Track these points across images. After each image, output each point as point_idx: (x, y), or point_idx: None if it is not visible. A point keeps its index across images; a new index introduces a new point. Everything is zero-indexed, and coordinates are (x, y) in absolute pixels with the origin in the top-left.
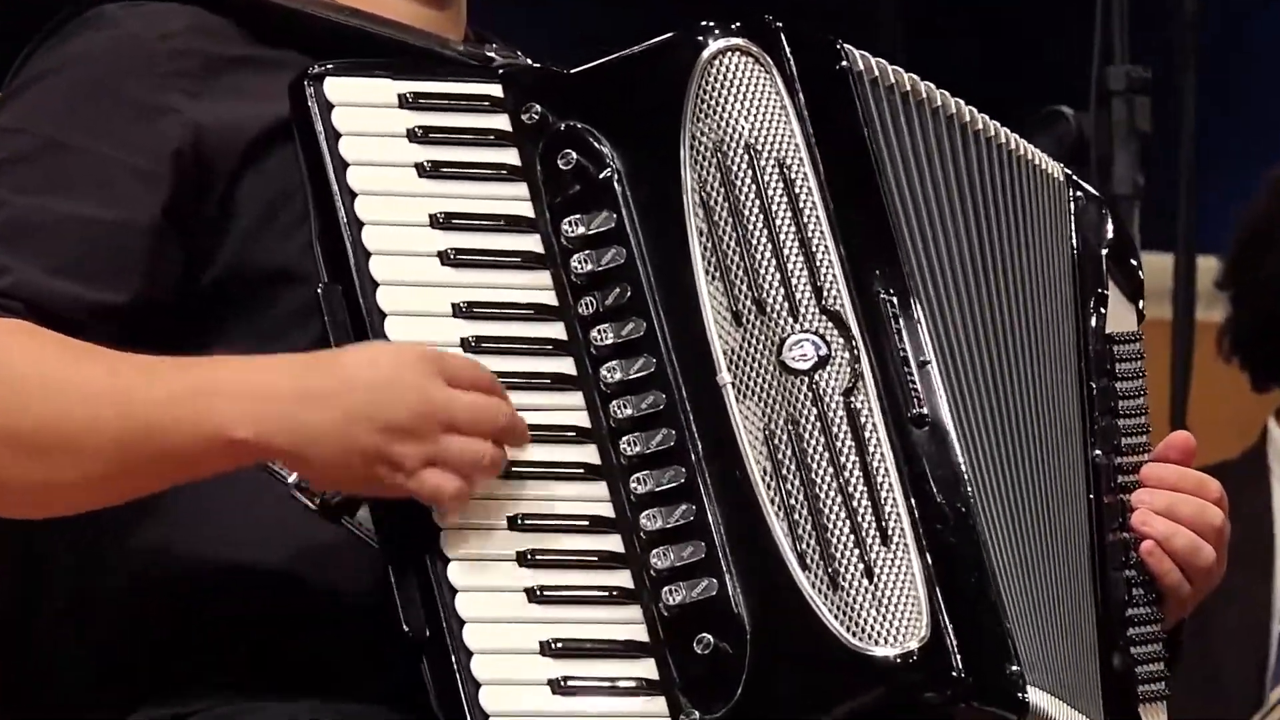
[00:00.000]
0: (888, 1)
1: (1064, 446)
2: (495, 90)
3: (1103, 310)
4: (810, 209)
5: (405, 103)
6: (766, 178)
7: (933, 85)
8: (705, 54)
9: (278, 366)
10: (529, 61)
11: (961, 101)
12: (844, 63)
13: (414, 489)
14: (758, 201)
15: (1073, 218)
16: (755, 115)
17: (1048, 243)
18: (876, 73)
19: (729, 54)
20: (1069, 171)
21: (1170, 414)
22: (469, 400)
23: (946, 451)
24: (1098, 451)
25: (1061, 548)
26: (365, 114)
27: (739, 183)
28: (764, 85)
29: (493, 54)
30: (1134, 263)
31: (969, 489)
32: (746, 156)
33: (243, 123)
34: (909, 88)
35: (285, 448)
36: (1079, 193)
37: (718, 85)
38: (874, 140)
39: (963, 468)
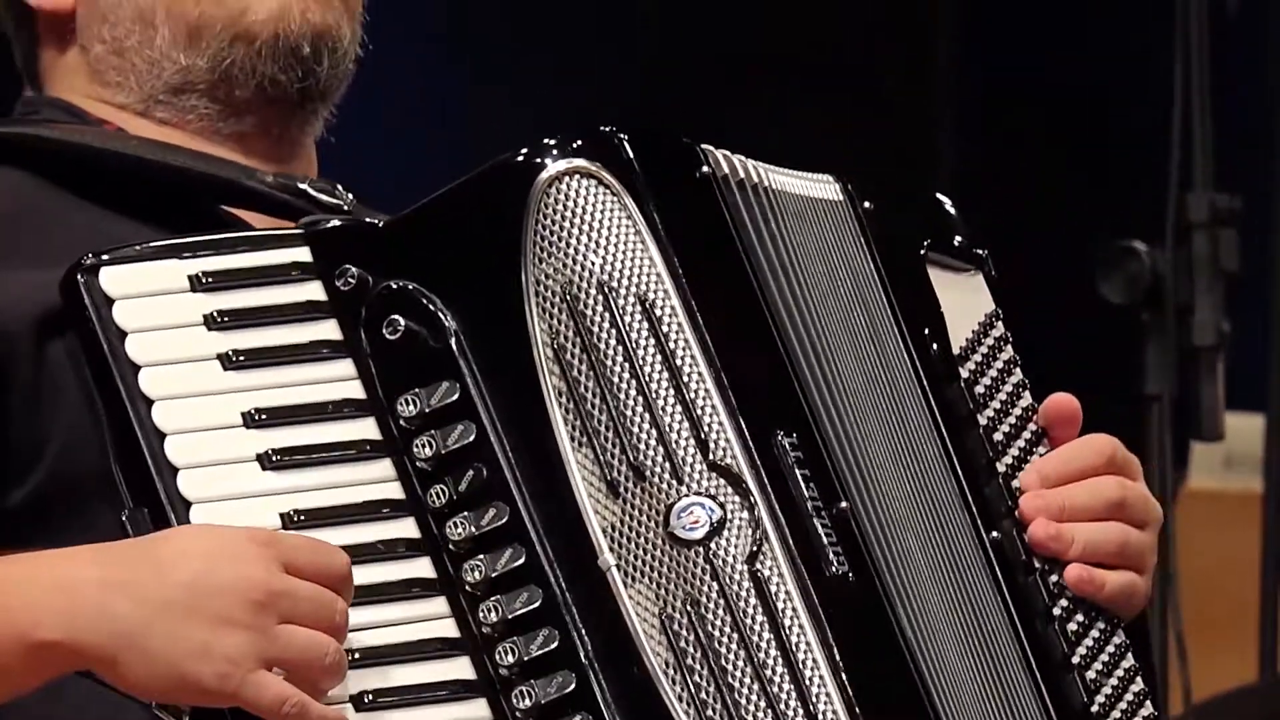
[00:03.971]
0: (944, 127)
1: (959, 525)
2: (303, 255)
3: (938, 334)
4: (683, 349)
5: (199, 284)
6: (628, 319)
7: (758, 163)
8: (540, 180)
9: (86, 556)
10: (349, 197)
11: (757, 164)
12: (705, 168)
13: (250, 698)
14: (620, 348)
15: (865, 238)
16: (607, 246)
17: (868, 295)
18: (741, 173)
19: (568, 178)
20: (844, 183)
21: (1260, 596)
22: (311, 588)
23: (875, 609)
24: (994, 532)
25: (998, 643)
26: (153, 305)
27: (596, 329)
28: (613, 209)
29: (305, 185)
30: (957, 237)
31: (907, 652)
32: (601, 297)
33: (35, 296)
34: (757, 178)
35: (97, 649)
36: (865, 199)
37: (559, 216)
38: (750, 254)
39: (894, 626)
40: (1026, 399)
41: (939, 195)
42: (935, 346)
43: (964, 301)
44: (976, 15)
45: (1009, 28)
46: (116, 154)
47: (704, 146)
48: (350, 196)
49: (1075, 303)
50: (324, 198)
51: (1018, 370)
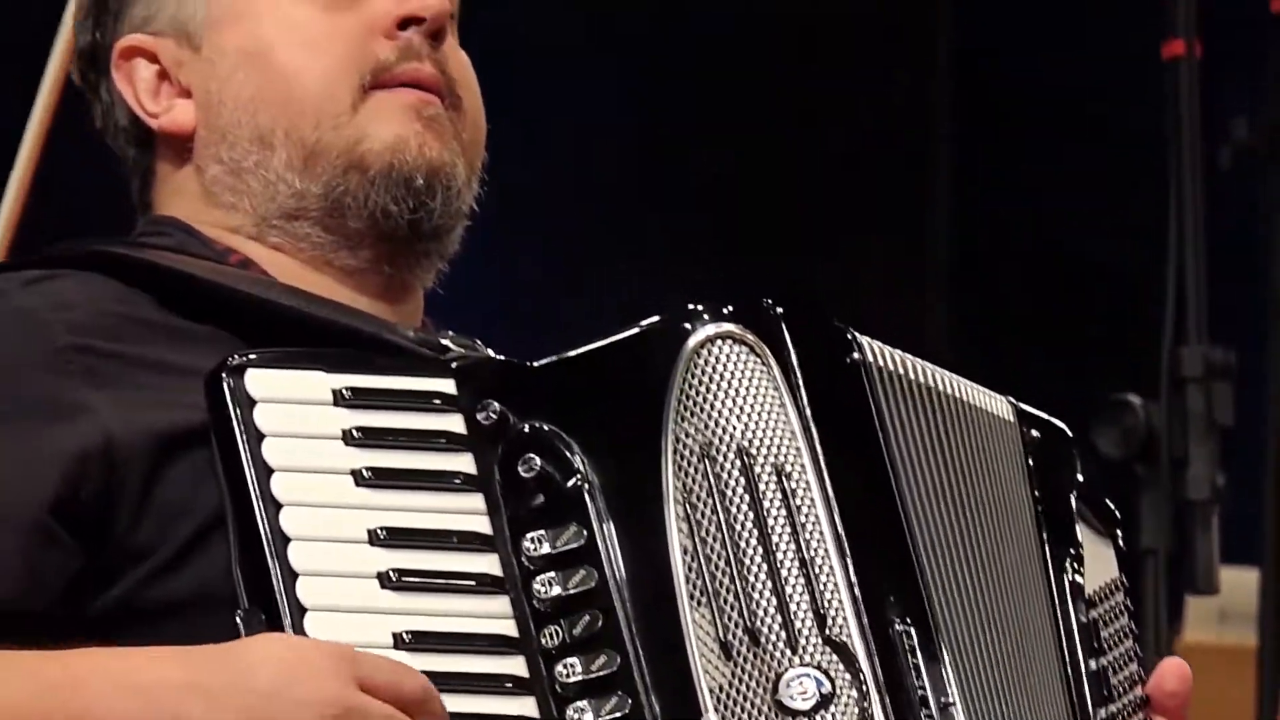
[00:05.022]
0: (937, 280)
1: None
2: (448, 386)
3: (1077, 568)
4: (813, 523)
5: (341, 400)
6: (762, 486)
7: (905, 355)
8: (691, 342)
9: (167, 658)
10: (489, 352)
11: (922, 362)
12: (855, 354)
13: None
14: (752, 514)
15: (1028, 463)
16: (750, 413)
17: (1015, 508)
18: (891, 365)
19: (719, 342)
20: (1016, 404)
21: None
22: (385, 708)
23: None
24: None
25: None
26: (294, 412)
27: (730, 492)
28: (759, 377)
29: (447, 342)
30: (1107, 501)
31: None
32: (739, 461)
33: (159, 414)
34: (903, 370)
35: None
36: (1034, 429)
37: (706, 378)
38: (890, 443)
39: None
40: (1135, 666)
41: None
42: (1072, 581)
43: (1093, 557)
44: (972, 167)
45: (1004, 180)
46: (260, 300)
47: (856, 334)
48: (490, 353)
49: None
50: (465, 353)
51: (1132, 639)
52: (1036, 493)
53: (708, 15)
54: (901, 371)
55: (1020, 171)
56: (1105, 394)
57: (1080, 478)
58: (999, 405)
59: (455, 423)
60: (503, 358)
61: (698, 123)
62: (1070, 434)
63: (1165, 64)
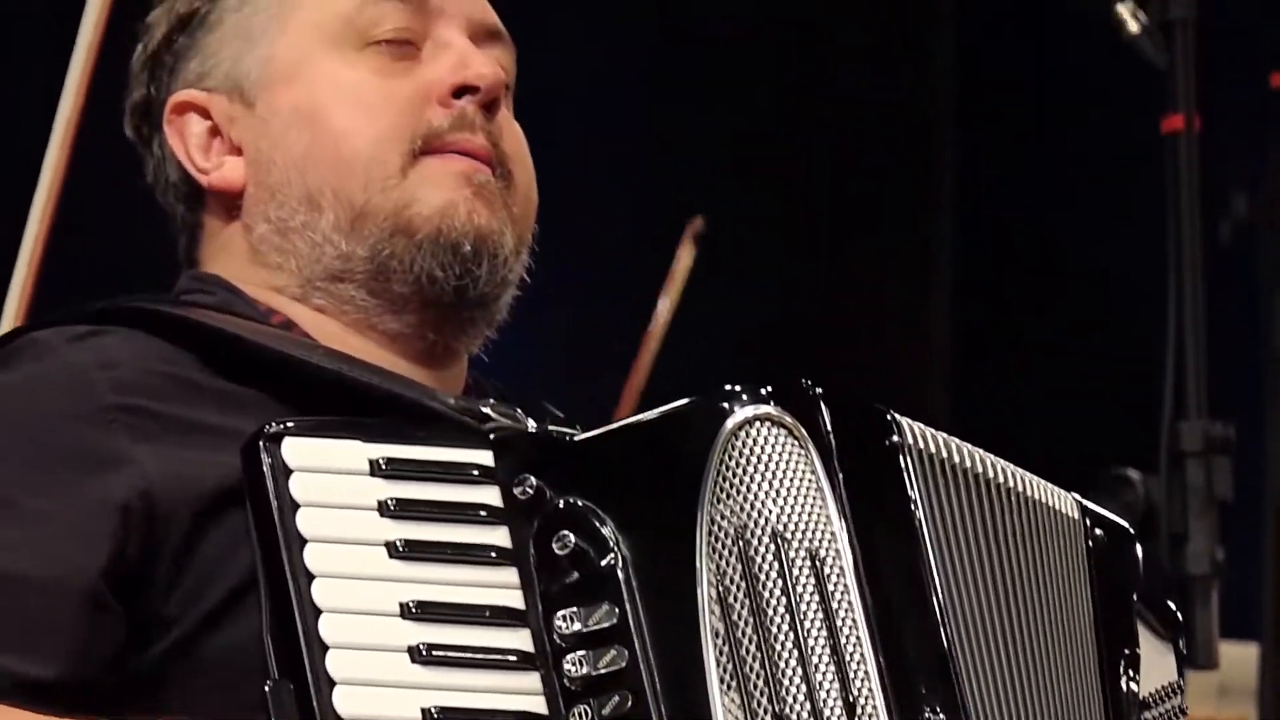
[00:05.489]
0: (940, 366)
1: None
2: (485, 457)
3: (1133, 675)
4: (846, 610)
5: (377, 470)
6: (796, 571)
7: (961, 443)
8: (729, 424)
9: None
10: (529, 422)
11: (980, 452)
12: (895, 437)
13: None
14: (785, 599)
15: (1090, 561)
16: (786, 497)
17: (1072, 606)
18: (923, 444)
19: (757, 424)
20: (1082, 501)
21: None
22: None
23: None
24: None
25: None
26: (329, 482)
27: (764, 576)
28: (796, 460)
29: (488, 410)
30: (1169, 603)
31: None
32: (774, 546)
33: (200, 473)
34: (947, 454)
35: None
36: (1098, 527)
37: (743, 460)
38: (929, 530)
39: None
40: None
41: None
42: (1128, 684)
43: (1151, 659)
44: (971, 249)
45: (1005, 259)
46: (302, 363)
47: (896, 415)
48: (531, 421)
49: None
50: (505, 422)
51: None
52: (1096, 592)
53: (711, 19)
54: (945, 455)
55: (1025, 250)
56: (1104, 468)
57: (1142, 577)
58: (1064, 501)
59: (492, 495)
60: (541, 429)
61: (699, 122)
62: (1133, 532)
63: (1164, 138)
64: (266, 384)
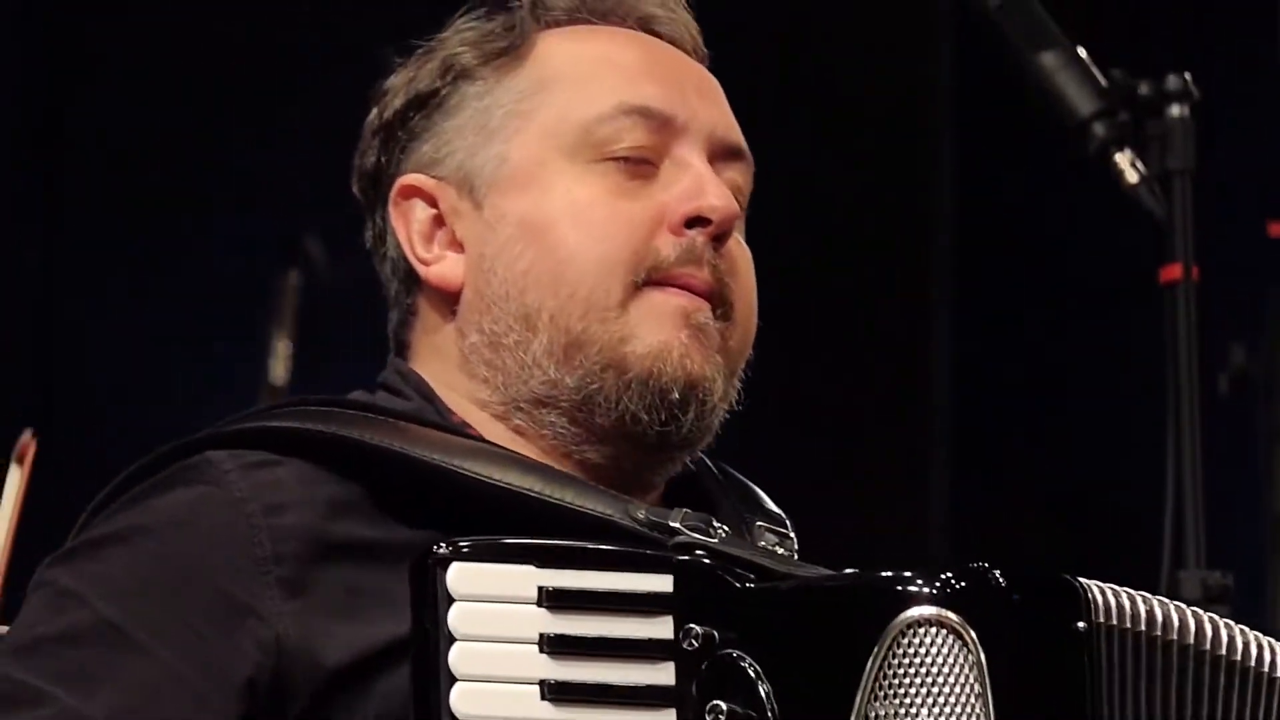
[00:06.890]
0: (939, 508)
1: None
2: (664, 584)
3: None
4: None
5: (545, 598)
6: None
7: (1156, 600)
8: (901, 619)
9: None
10: (720, 533)
11: (1189, 609)
12: (1082, 623)
13: None
14: None
15: None
16: (944, 707)
17: None
18: (1115, 617)
19: (928, 627)
20: None
21: None
22: None
23: None
24: None
25: None
26: (492, 613)
27: None
28: (963, 671)
29: (677, 524)
30: None
31: None
32: None
33: (342, 641)
34: (1146, 625)
35: None
36: None
37: (907, 662)
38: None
39: None
40: None
41: None
42: None
43: None
44: (969, 368)
45: (1003, 413)
46: (482, 481)
47: (1093, 593)
48: (725, 530)
49: None
50: (697, 538)
51: None
52: None
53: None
54: (1143, 628)
55: (1020, 383)
56: None
57: None
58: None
59: (664, 628)
60: (721, 558)
61: None
62: None
63: (1163, 288)
64: (444, 506)
